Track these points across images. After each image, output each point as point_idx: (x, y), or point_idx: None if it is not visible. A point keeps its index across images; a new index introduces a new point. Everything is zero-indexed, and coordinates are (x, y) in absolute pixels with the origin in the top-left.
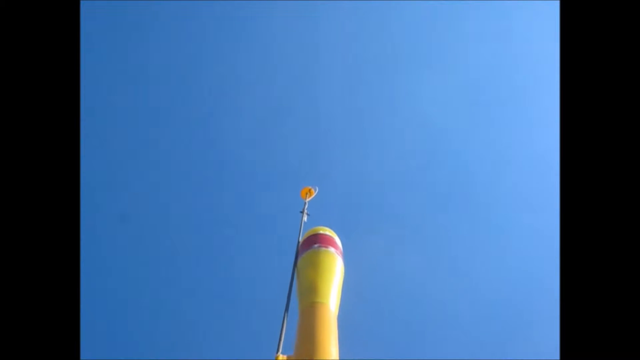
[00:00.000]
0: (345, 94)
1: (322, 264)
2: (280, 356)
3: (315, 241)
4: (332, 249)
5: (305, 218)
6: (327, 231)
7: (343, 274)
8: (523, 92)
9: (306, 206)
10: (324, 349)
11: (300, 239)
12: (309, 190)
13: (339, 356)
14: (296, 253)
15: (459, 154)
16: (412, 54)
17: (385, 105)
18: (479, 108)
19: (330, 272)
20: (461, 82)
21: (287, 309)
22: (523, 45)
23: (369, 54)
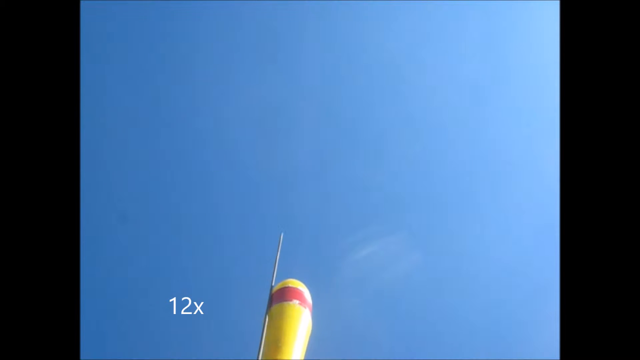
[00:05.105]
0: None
1: (290, 320)
2: None
3: (285, 295)
4: (301, 305)
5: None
6: (298, 285)
7: (310, 329)
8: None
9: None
10: None
11: (273, 283)
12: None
13: None
14: (269, 299)
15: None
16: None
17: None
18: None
19: (297, 328)
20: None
21: (259, 353)
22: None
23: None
